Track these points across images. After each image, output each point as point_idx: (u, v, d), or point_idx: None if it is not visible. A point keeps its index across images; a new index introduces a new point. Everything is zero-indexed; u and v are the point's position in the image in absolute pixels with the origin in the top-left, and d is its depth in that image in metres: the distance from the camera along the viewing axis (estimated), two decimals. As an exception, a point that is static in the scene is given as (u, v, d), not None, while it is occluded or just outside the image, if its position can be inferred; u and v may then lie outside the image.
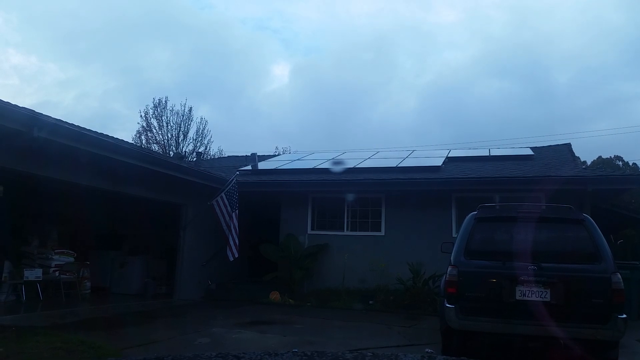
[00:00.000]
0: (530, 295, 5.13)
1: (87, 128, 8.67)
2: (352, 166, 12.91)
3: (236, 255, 11.31)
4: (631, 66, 52.40)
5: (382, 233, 12.05)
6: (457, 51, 55.55)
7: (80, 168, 9.08)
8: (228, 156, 19.78)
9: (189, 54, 46.81)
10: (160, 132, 33.39)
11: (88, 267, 11.13)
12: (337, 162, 13.47)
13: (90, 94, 42.72)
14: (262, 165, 14.21)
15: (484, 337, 5.56)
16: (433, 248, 11.64)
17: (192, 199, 12.14)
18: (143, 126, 33.18)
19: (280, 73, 53.35)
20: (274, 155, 16.38)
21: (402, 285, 10.82)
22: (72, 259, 10.85)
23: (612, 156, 28.75)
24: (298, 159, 15.03)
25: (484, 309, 5.29)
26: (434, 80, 52.42)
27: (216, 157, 29.70)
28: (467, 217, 5.99)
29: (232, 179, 11.67)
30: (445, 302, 5.49)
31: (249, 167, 14.07)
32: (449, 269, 5.50)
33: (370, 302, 10.76)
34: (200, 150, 29.06)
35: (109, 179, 9.87)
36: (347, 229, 12.37)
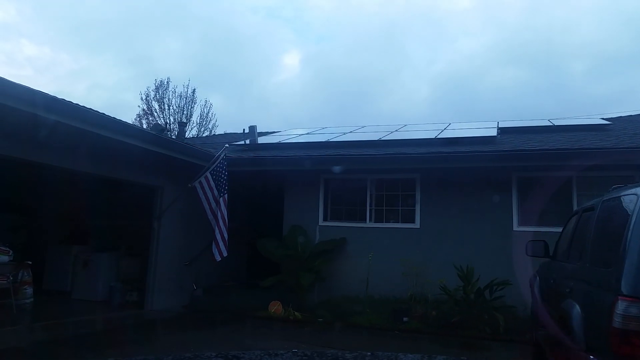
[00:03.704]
0: None
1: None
2: (376, 139, 10.02)
3: (224, 254, 8.52)
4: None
5: (417, 225, 9.18)
6: (470, 39, 52.11)
7: (27, 138, 6.53)
8: (223, 133, 16.96)
9: (200, 44, 44.54)
10: (161, 116, 30.83)
11: (29, 269, 8.40)
12: (357, 135, 10.59)
13: (102, 84, 40.78)
14: (262, 140, 11.38)
15: None
16: (487, 245, 8.77)
17: (170, 179, 9.38)
18: (144, 109, 30.69)
19: (291, 63, 50.69)
20: (277, 132, 13.52)
21: (448, 295, 7.96)
22: (6, 259, 8.15)
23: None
24: (307, 133, 12.16)
25: None
26: (447, 69, 49.20)
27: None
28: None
29: (220, 154, 8.85)
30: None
31: (246, 142, 11.25)
32: (621, 304, 2.58)
33: (405, 318, 7.92)
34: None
35: (61, 154, 7.25)
36: (370, 220, 9.51)
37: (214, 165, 8.78)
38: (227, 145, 9.23)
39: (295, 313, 8.50)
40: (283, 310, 8.59)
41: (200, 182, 8.77)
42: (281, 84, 47.62)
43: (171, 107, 30.96)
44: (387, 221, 9.46)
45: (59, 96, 6.36)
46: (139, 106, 32.08)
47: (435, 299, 8.24)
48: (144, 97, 30.15)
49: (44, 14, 42.61)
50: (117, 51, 42.52)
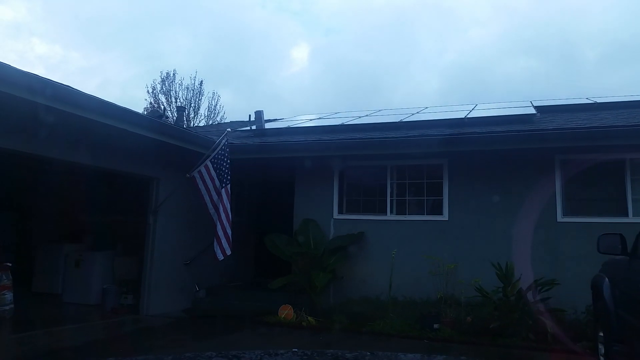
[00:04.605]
0: None
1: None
2: (396, 121, 8.95)
3: (228, 253, 7.54)
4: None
5: (445, 217, 8.10)
6: (481, 28, 50.58)
7: (11, 126, 5.65)
8: (229, 122, 15.97)
9: (208, 39, 43.95)
10: (169, 109, 30.09)
11: (9, 271, 7.44)
12: (374, 118, 9.52)
13: (113, 80, 40.42)
14: (270, 126, 10.36)
15: None
16: (527, 239, 7.66)
17: (167, 170, 8.41)
18: (151, 102, 30.00)
19: (300, 56, 49.66)
20: (286, 119, 12.48)
21: (484, 297, 6.90)
22: (-20, 260, 7.21)
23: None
24: (318, 118, 11.12)
25: None
26: (457, 60, 47.76)
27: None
28: None
29: (221, 140, 7.85)
30: None
31: (252, 128, 10.24)
32: None
33: (435, 325, 6.87)
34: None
35: (47, 143, 6.35)
36: (391, 212, 8.46)
37: (215, 153, 7.79)
38: (228, 129, 8.23)
39: (309, 318, 7.50)
40: (295, 315, 7.59)
41: (199, 172, 7.78)
42: (290, 78, 46.71)
43: (178, 100, 30.28)
44: (411, 213, 8.40)
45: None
46: (145, 99, 31.39)
47: (468, 301, 7.18)
48: (150, 90, 29.48)
49: (54, 13, 42.24)
50: (127, 48, 42.06)
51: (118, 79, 41.16)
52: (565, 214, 7.48)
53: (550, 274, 6.97)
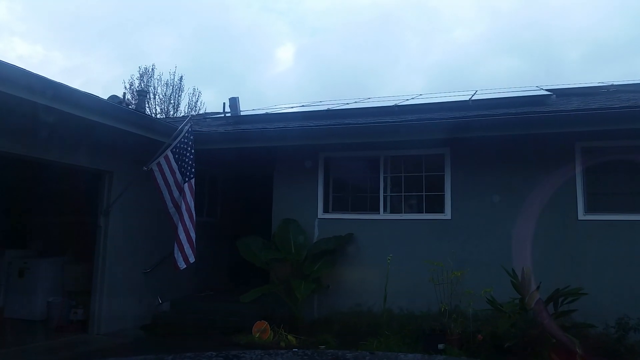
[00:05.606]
0: None
1: None
2: (390, 105, 7.80)
3: (191, 260, 6.32)
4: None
5: (448, 215, 6.97)
6: (465, 28, 50.48)
7: None
8: (203, 113, 14.62)
9: (193, 39, 42.95)
10: (147, 106, 28.62)
11: None
12: (364, 104, 8.36)
13: (96, 80, 39.01)
14: (246, 113, 9.15)
15: None
16: (543, 240, 6.58)
17: (121, 162, 7.17)
18: (128, 98, 28.52)
19: (285, 56, 48.69)
20: (265, 108, 11.27)
21: (499, 311, 5.79)
22: None
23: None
24: (301, 106, 9.92)
25: None
26: (442, 60, 47.62)
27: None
28: None
29: (183, 127, 6.63)
30: None
31: (226, 115, 9.02)
32: None
33: (440, 345, 5.73)
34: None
35: None
36: (385, 210, 7.31)
37: (176, 142, 6.57)
38: (192, 114, 7.10)
39: (288, 337, 6.31)
40: (272, 333, 6.39)
41: (158, 164, 6.55)
42: (276, 78, 45.79)
43: (157, 96, 28.88)
44: (408, 211, 7.26)
45: None
46: (124, 93, 29.90)
47: (476, 314, 6.07)
48: (128, 86, 28.02)
49: (35, 12, 40.71)
50: (110, 48, 40.75)
51: (102, 79, 39.83)
52: (588, 210, 6.41)
53: (571, 280, 5.90)
